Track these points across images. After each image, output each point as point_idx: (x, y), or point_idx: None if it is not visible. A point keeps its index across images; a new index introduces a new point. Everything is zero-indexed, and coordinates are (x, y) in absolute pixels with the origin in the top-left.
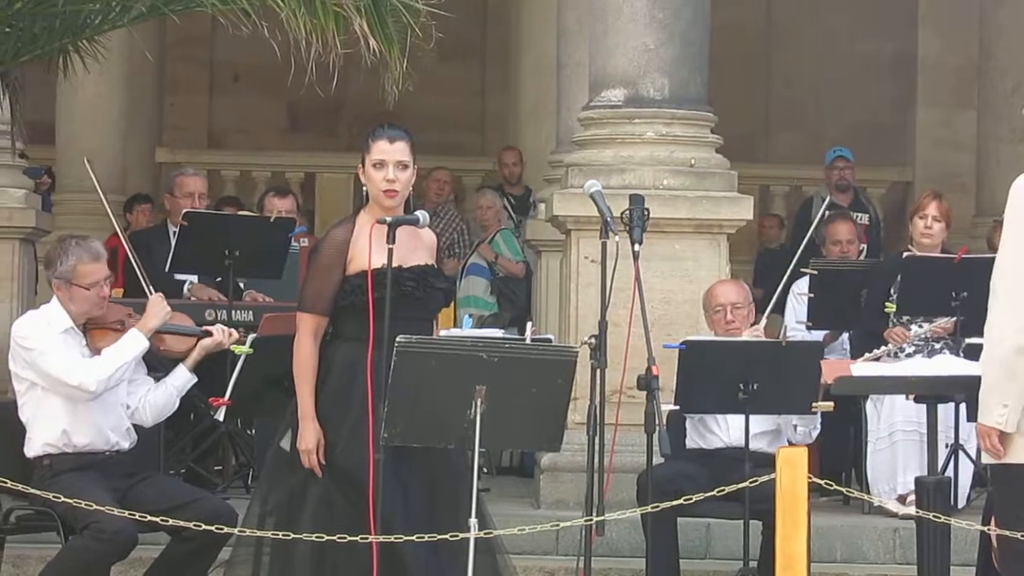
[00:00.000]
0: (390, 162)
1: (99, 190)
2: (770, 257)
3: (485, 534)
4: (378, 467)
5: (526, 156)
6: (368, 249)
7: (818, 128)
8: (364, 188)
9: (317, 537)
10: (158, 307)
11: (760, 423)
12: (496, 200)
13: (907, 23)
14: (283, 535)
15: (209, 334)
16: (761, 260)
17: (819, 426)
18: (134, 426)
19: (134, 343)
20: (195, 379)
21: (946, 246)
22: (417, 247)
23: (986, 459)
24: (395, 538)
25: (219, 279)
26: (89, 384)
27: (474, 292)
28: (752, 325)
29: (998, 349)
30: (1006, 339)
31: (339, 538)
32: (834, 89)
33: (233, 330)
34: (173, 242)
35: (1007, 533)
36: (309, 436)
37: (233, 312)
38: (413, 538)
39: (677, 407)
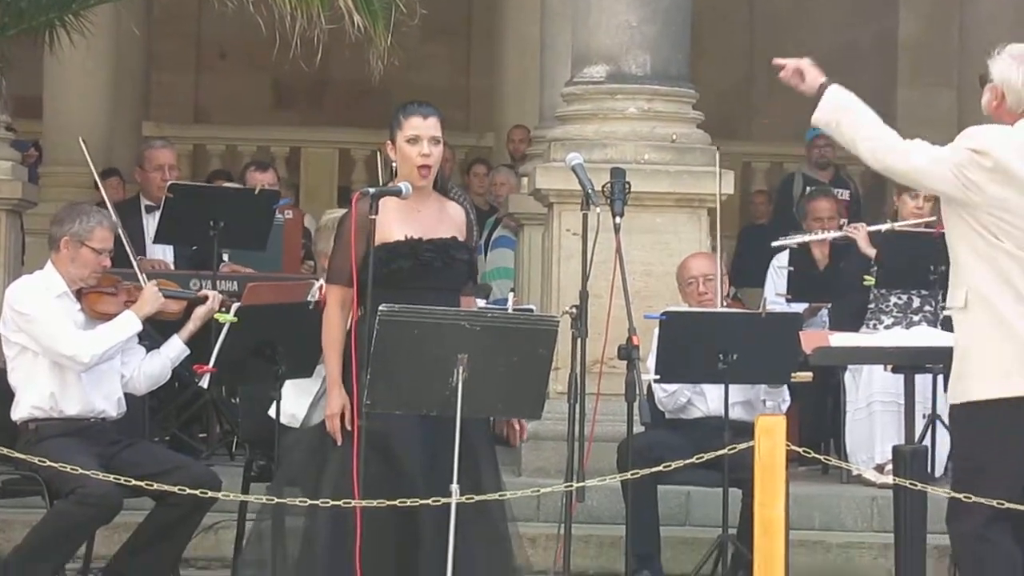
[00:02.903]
0: (424, 137)
1: (91, 166)
2: (754, 232)
3: (467, 499)
4: (362, 434)
5: (512, 132)
6: (392, 222)
7: (800, 106)
8: (393, 163)
9: (322, 502)
10: (153, 295)
11: (737, 392)
12: (510, 177)
13: (888, 4)
14: (267, 500)
15: (204, 298)
16: (745, 234)
17: (788, 399)
18: (125, 395)
19: (129, 324)
20: (188, 351)
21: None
22: (442, 219)
23: (951, 399)
24: (380, 502)
25: (195, 248)
26: (82, 356)
27: (505, 264)
28: (725, 296)
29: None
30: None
31: (344, 503)
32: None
33: (222, 296)
34: (144, 216)
35: (983, 501)
36: (335, 401)
37: (217, 282)
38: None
39: (657, 377)
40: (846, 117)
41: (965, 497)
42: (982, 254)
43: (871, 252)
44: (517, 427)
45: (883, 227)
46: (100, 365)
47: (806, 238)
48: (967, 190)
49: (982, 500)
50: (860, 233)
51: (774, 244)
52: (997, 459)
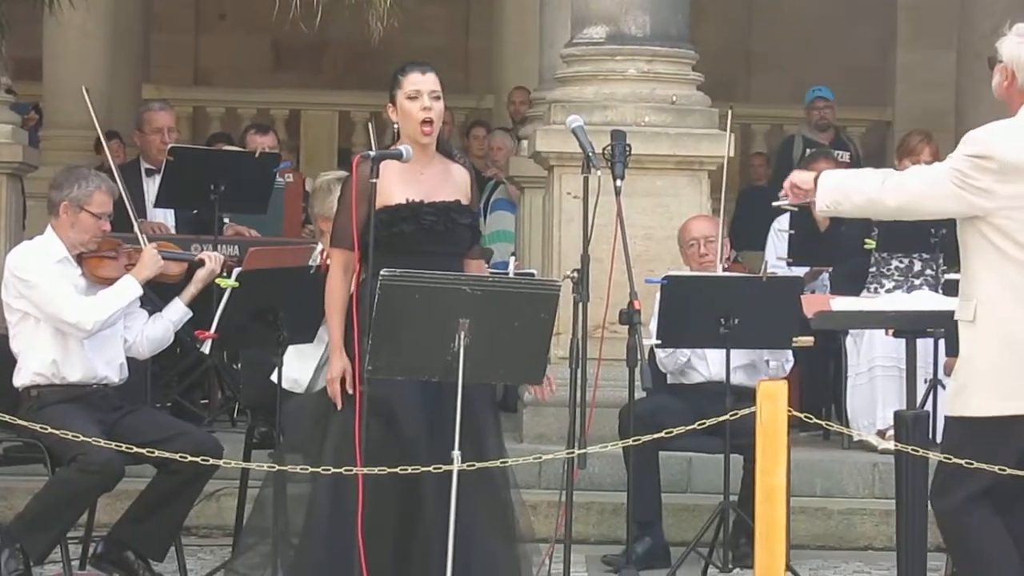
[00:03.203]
0: (425, 91)
1: (95, 120)
2: (753, 194)
3: (468, 466)
4: (363, 399)
5: (512, 94)
6: (393, 185)
7: (799, 69)
8: (395, 125)
9: (324, 469)
10: (152, 258)
11: (739, 356)
12: (507, 141)
13: None
14: (269, 467)
15: (203, 262)
16: (744, 196)
17: (791, 359)
18: (128, 360)
19: (129, 290)
20: (191, 313)
21: None
22: (445, 182)
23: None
24: (381, 469)
25: (195, 212)
26: (86, 323)
27: (504, 227)
28: (726, 259)
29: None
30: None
31: (346, 470)
32: (815, 31)
33: (223, 256)
34: (144, 179)
35: (984, 467)
36: (336, 366)
37: (219, 246)
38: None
39: (659, 341)
40: (844, 194)
41: (967, 463)
42: (994, 267)
43: (872, 242)
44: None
45: None
46: (103, 331)
47: (804, 200)
48: (978, 198)
49: (983, 466)
50: None
51: (774, 204)
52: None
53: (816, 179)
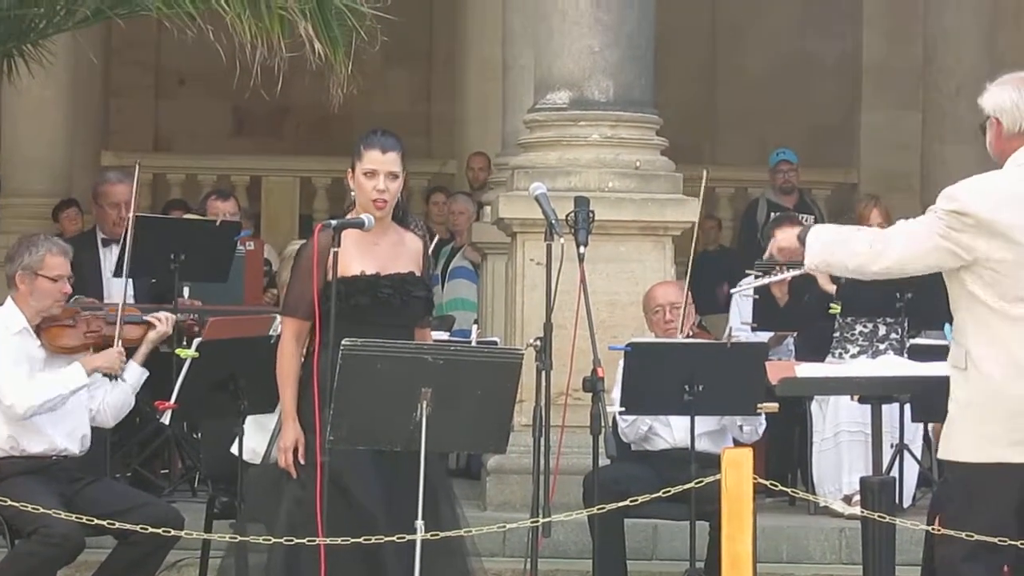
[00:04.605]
0: (381, 172)
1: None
2: (706, 259)
3: (431, 536)
4: (325, 470)
5: (471, 159)
6: (349, 255)
7: (764, 131)
8: (352, 193)
9: (286, 540)
10: (111, 357)
11: (704, 423)
12: (469, 206)
13: (852, 25)
14: (231, 537)
15: (152, 325)
16: (697, 262)
17: (764, 422)
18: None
19: (74, 378)
20: (147, 373)
21: None
22: (400, 254)
23: (942, 454)
24: (341, 541)
25: (154, 280)
26: (18, 408)
27: (462, 295)
28: (692, 325)
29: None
30: None
31: (308, 540)
32: (780, 92)
33: (172, 315)
34: (101, 249)
35: (951, 533)
36: (289, 436)
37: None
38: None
39: (623, 409)
40: (834, 256)
41: (935, 530)
42: (979, 319)
43: (831, 288)
44: None
45: None
46: (66, 404)
47: (765, 281)
48: (964, 252)
49: (961, 535)
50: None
51: (733, 291)
52: (977, 516)
53: (801, 236)
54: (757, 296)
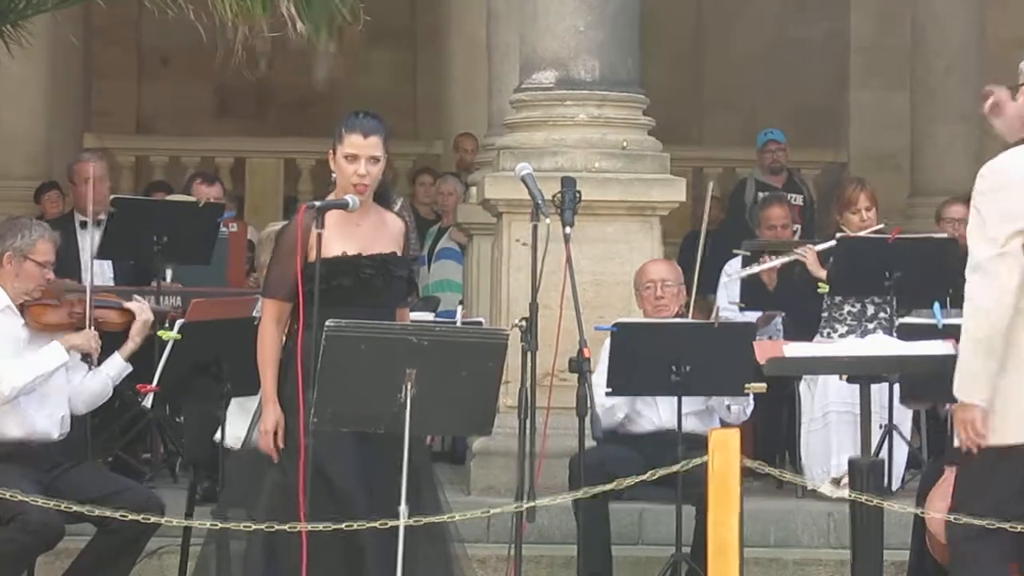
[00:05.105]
0: (362, 157)
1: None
2: (698, 237)
3: (415, 522)
4: (308, 452)
5: (460, 141)
6: (331, 236)
7: (752, 111)
8: (333, 175)
9: (267, 526)
10: (87, 337)
11: (691, 402)
12: (457, 187)
13: (841, 6)
14: (212, 525)
15: (131, 313)
16: (689, 241)
17: (752, 403)
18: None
19: (54, 355)
20: (130, 368)
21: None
22: (381, 234)
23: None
24: (323, 527)
25: (132, 263)
26: (4, 388)
27: (448, 276)
28: (683, 305)
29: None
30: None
31: (289, 527)
32: (768, 71)
33: (145, 302)
34: (79, 231)
35: (938, 515)
36: (269, 418)
37: (161, 298)
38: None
39: (609, 390)
40: (981, 368)
41: (923, 513)
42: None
43: (821, 273)
44: None
45: (831, 244)
46: (48, 385)
47: (754, 269)
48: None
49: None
50: (810, 257)
51: (723, 280)
52: (998, 499)
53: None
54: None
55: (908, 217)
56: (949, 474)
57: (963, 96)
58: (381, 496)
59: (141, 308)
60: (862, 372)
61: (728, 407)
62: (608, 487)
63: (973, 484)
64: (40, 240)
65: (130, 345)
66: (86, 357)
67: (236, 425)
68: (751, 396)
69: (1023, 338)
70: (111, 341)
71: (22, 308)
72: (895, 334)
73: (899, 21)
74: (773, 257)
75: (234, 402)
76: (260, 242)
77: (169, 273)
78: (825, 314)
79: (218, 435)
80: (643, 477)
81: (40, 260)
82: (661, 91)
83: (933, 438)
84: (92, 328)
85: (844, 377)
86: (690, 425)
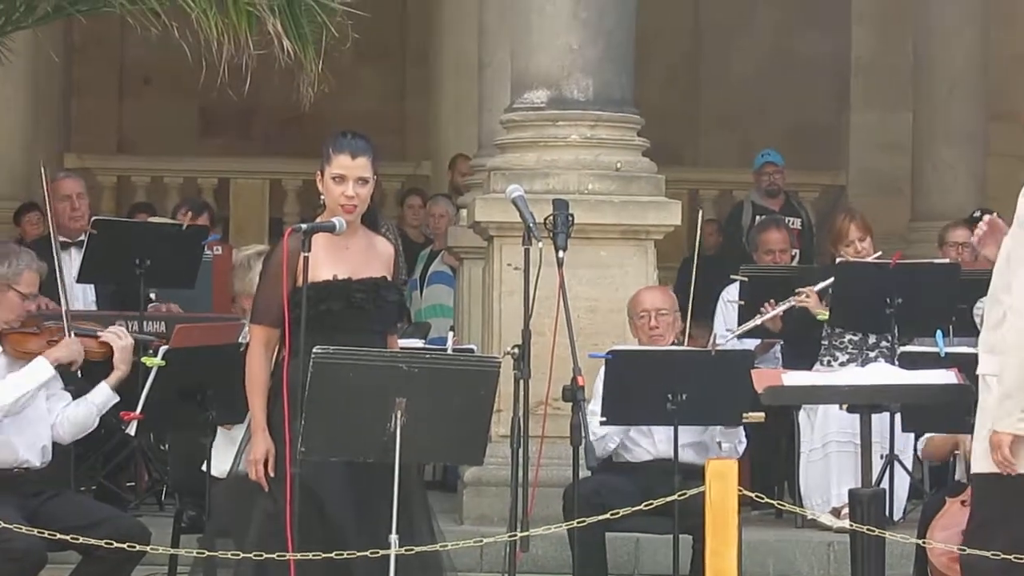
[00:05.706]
0: (350, 178)
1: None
2: (698, 263)
3: (406, 550)
4: (295, 481)
5: (448, 160)
6: (319, 260)
7: (749, 131)
8: (322, 197)
9: (255, 555)
10: (69, 345)
11: (687, 432)
12: (449, 209)
13: (841, 24)
14: (198, 552)
15: (109, 344)
16: (686, 267)
17: (744, 440)
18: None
19: (39, 371)
20: (117, 398)
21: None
22: (371, 259)
23: (979, 468)
24: (312, 556)
25: (114, 288)
26: None
27: (441, 300)
28: (680, 333)
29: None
30: None
31: (278, 556)
32: (765, 92)
33: (121, 329)
34: (59, 253)
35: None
36: (259, 447)
37: (144, 323)
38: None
39: (604, 419)
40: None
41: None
42: None
43: (825, 314)
44: None
45: (830, 281)
46: (25, 413)
47: (756, 321)
48: None
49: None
50: (811, 300)
51: (729, 333)
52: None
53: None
54: (743, 302)
55: (909, 242)
56: (951, 505)
57: (967, 117)
58: (373, 524)
59: (118, 335)
60: (862, 401)
61: (719, 444)
62: (603, 516)
63: (995, 514)
64: (27, 270)
65: (117, 374)
66: (67, 386)
67: (223, 460)
68: (743, 433)
69: None
70: (96, 368)
71: (1, 336)
72: (897, 362)
73: (901, 38)
74: (773, 305)
75: (220, 433)
76: (233, 268)
77: (153, 296)
78: (825, 342)
79: (205, 467)
80: (639, 507)
81: (24, 291)
82: (656, 111)
83: (935, 469)
84: (71, 335)
85: (844, 406)
86: (687, 456)
